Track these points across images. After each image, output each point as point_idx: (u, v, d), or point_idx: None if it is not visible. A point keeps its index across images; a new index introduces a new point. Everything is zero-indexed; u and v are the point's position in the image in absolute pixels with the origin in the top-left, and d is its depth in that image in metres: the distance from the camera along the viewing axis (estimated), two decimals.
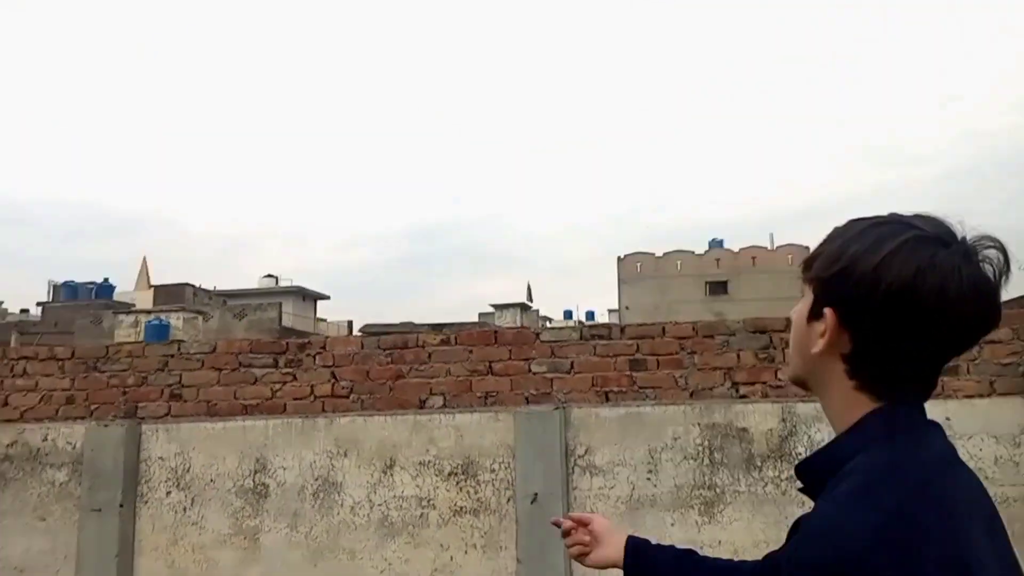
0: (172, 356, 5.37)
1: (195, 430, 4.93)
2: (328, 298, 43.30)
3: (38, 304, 41.92)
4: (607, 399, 4.82)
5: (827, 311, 0.84)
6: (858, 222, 0.87)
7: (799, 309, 0.91)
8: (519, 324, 40.48)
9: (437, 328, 24.86)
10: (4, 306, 47.53)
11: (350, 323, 39.44)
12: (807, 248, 37.27)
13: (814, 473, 0.88)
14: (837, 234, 0.88)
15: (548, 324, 49.90)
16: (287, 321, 34.09)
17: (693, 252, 36.92)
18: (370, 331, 24.14)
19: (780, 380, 4.40)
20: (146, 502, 4.75)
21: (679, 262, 36.11)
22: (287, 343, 5.43)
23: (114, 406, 5.32)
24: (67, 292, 40.09)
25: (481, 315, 44.78)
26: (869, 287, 0.80)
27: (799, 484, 0.92)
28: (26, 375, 5.49)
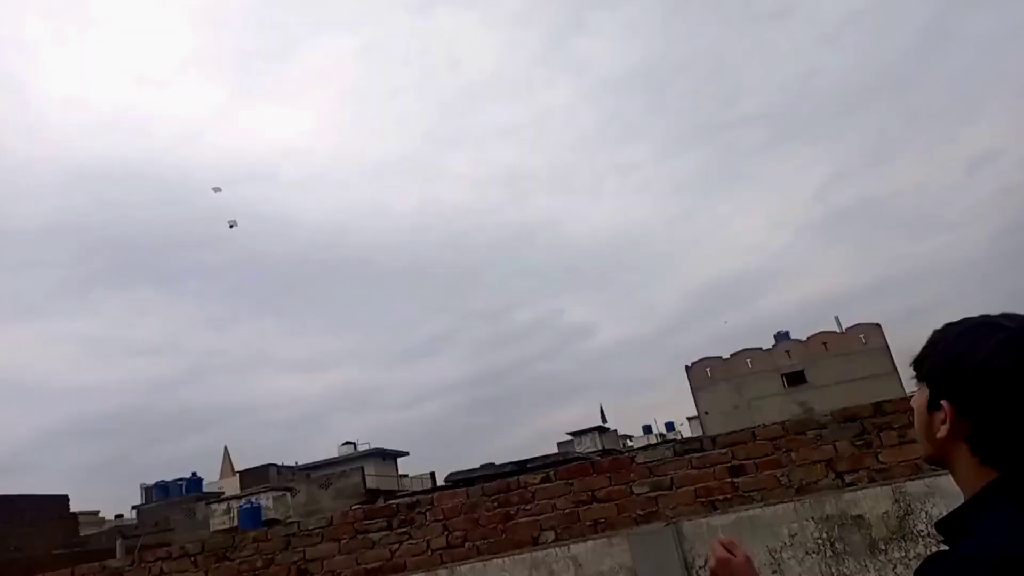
0: (294, 535, 5.68)
1: None
2: (407, 454, 43.44)
3: (132, 507, 42.99)
4: (714, 508, 4.91)
5: (944, 404, 1.07)
6: (955, 325, 1.12)
7: (919, 401, 1.15)
8: (599, 447, 39.68)
9: (520, 464, 24.65)
10: (101, 514, 48.88)
11: (432, 475, 39.25)
12: (878, 325, 36.42)
13: (948, 531, 1.08)
14: (939, 338, 1.13)
15: (629, 442, 48.84)
16: (371, 483, 34.17)
17: (761, 348, 36.32)
18: (456, 478, 24.04)
19: (883, 463, 4.47)
20: None
21: (749, 360, 35.48)
22: (397, 505, 5.71)
23: None
24: (159, 492, 41.10)
25: (560, 444, 44.13)
26: (977, 382, 1.03)
27: (940, 537, 1.12)
28: (163, 574, 5.85)
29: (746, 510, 4.61)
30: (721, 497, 4.91)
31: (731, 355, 36.54)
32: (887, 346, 35.30)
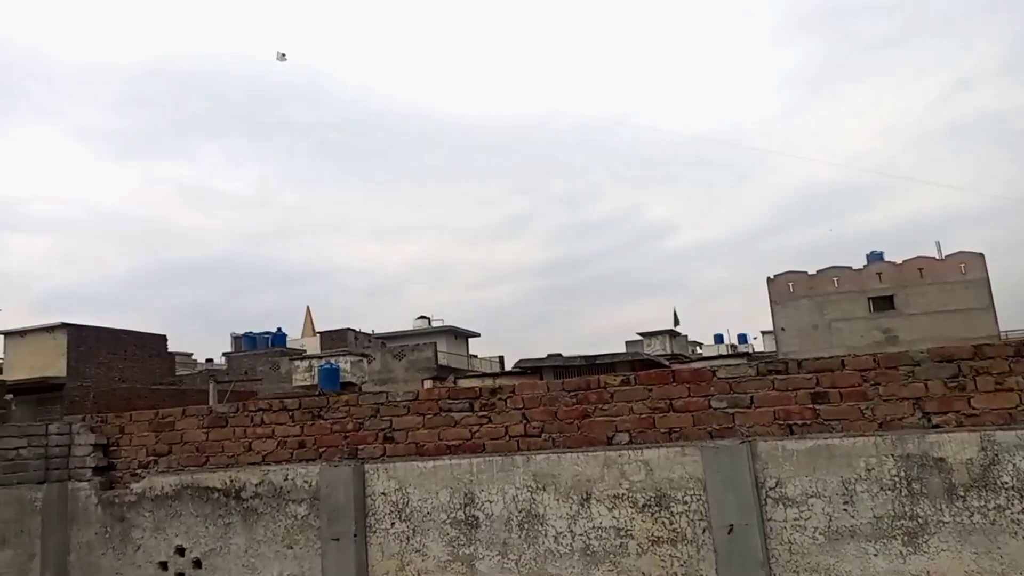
0: (382, 404, 6.08)
1: (409, 468, 5.56)
2: (479, 335, 44.85)
3: (223, 354, 46.33)
4: (791, 432, 4.97)
5: None
6: None
7: None
8: (669, 351, 40.08)
9: (589, 359, 25.28)
10: (194, 357, 53.06)
11: (501, 359, 40.65)
12: (981, 255, 34.41)
13: None
14: None
15: (699, 349, 49.05)
16: (442, 359, 35.68)
17: (850, 267, 35.00)
18: (525, 365, 24.83)
19: (975, 408, 4.39)
20: (374, 532, 5.42)
21: (836, 279, 34.31)
22: (479, 389, 5.99)
23: (338, 448, 6.08)
24: (247, 342, 44.07)
25: (628, 343, 44.74)
26: None
27: None
28: (263, 424, 6.40)
29: (824, 438, 4.65)
30: (800, 422, 4.95)
31: (817, 271, 35.41)
32: (987, 279, 33.42)
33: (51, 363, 25.01)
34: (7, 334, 27.68)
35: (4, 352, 27.79)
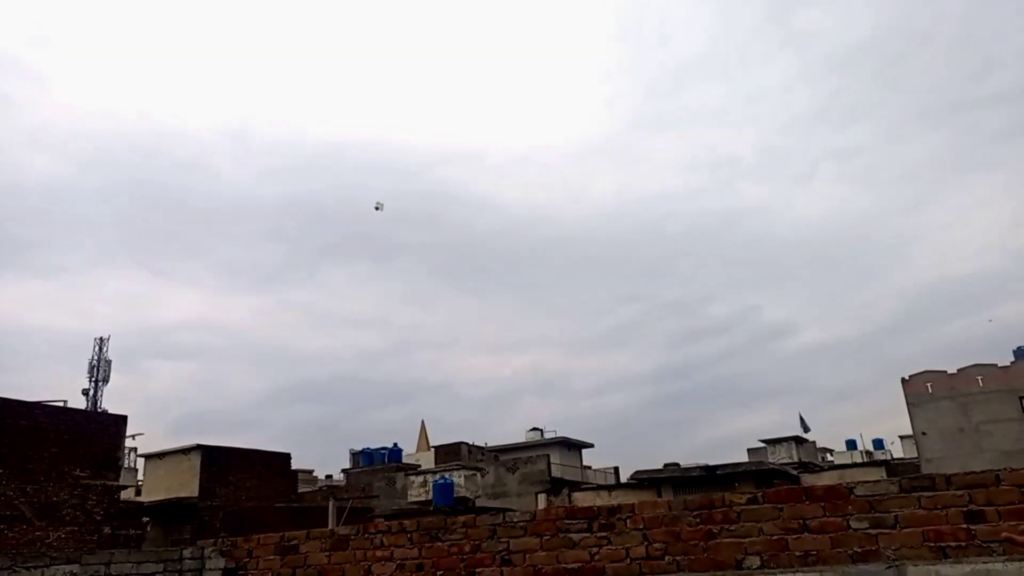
0: (499, 525, 6.00)
1: None
2: (592, 446, 43.76)
3: (342, 471, 47.30)
4: (944, 555, 4.52)
5: None
6: None
7: None
8: (795, 459, 37.51)
9: (709, 470, 24.04)
10: (314, 473, 54.40)
11: (616, 469, 39.30)
12: None
13: None
14: None
15: (829, 456, 45.67)
16: (555, 471, 34.90)
17: (996, 365, 32.12)
18: (641, 476, 23.92)
19: None
20: None
21: (980, 378, 31.47)
22: (598, 509, 5.83)
23: (456, 572, 6.01)
24: (364, 458, 44.84)
25: (751, 451, 42.27)
26: None
27: None
28: (383, 547, 6.44)
29: (984, 563, 4.20)
30: (954, 544, 4.51)
31: (958, 370, 32.70)
32: None
33: (185, 484, 26.27)
34: (147, 457, 29.45)
35: (144, 474, 29.49)
